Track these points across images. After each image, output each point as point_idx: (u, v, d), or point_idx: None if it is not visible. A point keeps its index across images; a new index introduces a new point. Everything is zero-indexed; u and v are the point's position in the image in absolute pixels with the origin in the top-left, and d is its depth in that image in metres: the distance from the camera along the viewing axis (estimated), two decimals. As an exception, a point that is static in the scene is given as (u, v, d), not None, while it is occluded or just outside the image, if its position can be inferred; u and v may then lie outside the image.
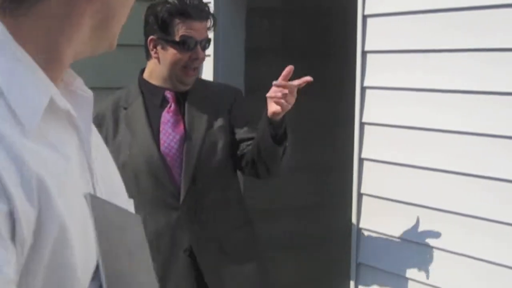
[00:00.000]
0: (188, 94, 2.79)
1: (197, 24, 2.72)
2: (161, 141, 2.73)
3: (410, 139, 2.79)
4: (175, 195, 2.71)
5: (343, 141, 3.70)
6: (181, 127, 2.75)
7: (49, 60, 0.89)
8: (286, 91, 2.51)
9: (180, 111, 2.77)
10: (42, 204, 0.82)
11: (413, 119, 2.77)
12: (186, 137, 2.72)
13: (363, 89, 2.96)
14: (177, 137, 2.72)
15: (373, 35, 2.92)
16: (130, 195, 2.83)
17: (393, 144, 2.86)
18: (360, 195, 3.00)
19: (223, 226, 2.78)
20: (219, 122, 2.77)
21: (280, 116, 2.55)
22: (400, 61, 2.82)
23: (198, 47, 2.73)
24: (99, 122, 2.76)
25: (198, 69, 2.79)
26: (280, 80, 2.53)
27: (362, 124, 2.98)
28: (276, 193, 4.58)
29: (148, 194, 2.72)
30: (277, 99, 2.50)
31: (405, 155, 2.81)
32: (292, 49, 4.66)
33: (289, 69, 2.55)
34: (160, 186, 2.72)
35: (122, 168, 2.71)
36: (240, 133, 2.78)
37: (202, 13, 2.74)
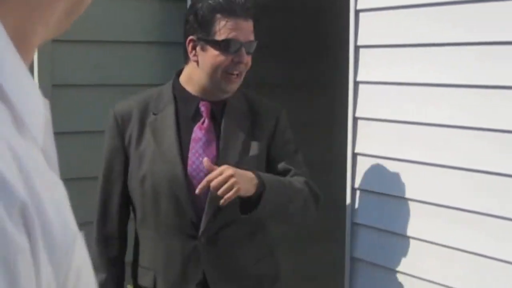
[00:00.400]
0: (225, 109, 2.49)
1: (242, 23, 2.40)
2: (189, 161, 2.43)
3: (403, 133, 2.78)
4: (195, 223, 2.42)
5: (339, 137, 3.69)
6: (213, 148, 2.45)
7: (20, 45, 0.75)
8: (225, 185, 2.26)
9: (214, 128, 2.46)
10: (68, 273, 0.67)
11: (407, 114, 2.76)
12: (217, 162, 2.39)
13: (356, 84, 2.96)
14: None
15: (366, 30, 2.91)
16: (144, 212, 2.53)
17: (387, 138, 2.85)
18: (353, 190, 3.00)
19: (243, 259, 2.52)
20: (255, 149, 2.49)
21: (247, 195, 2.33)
22: (393, 55, 2.81)
23: (243, 49, 2.41)
24: (123, 123, 2.48)
25: (241, 75, 2.45)
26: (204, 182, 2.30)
27: (355, 119, 2.97)
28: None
29: (165, 216, 2.45)
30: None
31: (399, 150, 2.80)
32: (283, 46, 4.65)
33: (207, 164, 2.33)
34: (180, 211, 2.42)
35: (142, 181, 2.46)
36: (280, 166, 2.53)
37: (248, 11, 2.42)
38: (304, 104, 4.69)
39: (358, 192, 2.99)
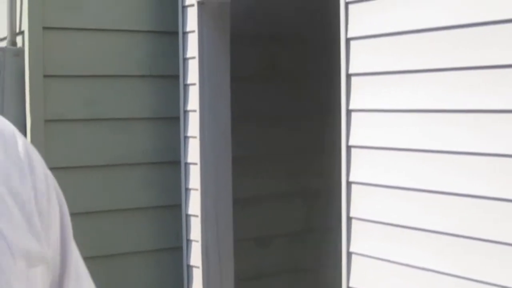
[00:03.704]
0: None
1: None
2: None
3: (397, 160, 2.77)
4: None
5: (334, 165, 3.68)
6: None
7: None
8: None
9: None
10: None
11: (399, 141, 2.75)
12: None
13: (349, 112, 2.95)
14: None
15: (357, 58, 2.91)
16: None
17: (380, 166, 2.84)
18: (349, 219, 2.97)
19: None
20: None
21: None
22: (384, 82, 2.81)
23: None
24: None
25: None
26: None
27: (348, 148, 2.96)
28: (268, 219, 4.55)
29: None
30: None
31: (393, 177, 2.78)
32: (279, 76, 4.66)
33: None
34: None
35: None
36: None
37: None
38: (300, 133, 4.68)
39: (353, 221, 2.96)
